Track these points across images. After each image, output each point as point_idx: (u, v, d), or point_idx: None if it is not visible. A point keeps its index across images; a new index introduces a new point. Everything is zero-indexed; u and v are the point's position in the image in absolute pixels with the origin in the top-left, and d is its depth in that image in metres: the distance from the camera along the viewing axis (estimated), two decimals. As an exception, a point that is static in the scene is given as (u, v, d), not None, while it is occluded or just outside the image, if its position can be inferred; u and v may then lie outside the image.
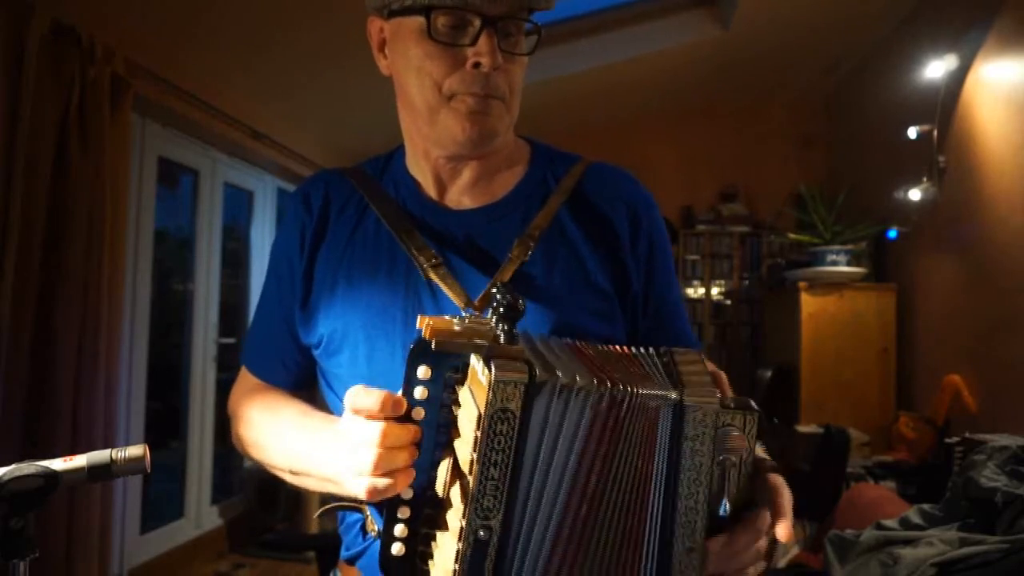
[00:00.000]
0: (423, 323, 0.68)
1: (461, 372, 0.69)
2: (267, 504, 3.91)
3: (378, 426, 0.68)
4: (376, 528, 0.85)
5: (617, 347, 0.77)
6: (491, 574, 0.65)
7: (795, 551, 2.75)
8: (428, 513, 0.71)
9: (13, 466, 0.71)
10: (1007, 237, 2.81)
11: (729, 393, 0.75)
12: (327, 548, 1.80)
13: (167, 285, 3.73)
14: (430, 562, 0.71)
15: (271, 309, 1.01)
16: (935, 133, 3.28)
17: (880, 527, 1.86)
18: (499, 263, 0.89)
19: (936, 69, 3.23)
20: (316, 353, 0.95)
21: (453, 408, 0.70)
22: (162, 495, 3.62)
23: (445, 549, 0.67)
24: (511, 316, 0.69)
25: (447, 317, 0.72)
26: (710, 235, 5.41)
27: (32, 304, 2.28)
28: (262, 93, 3.58)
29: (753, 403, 0.70)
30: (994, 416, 2.86)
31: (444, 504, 0.70)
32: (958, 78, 3.15)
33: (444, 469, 0.70)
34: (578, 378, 0.66)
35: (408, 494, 0.71)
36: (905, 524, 1.85)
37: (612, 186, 0.97)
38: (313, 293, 0.94)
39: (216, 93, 3.26)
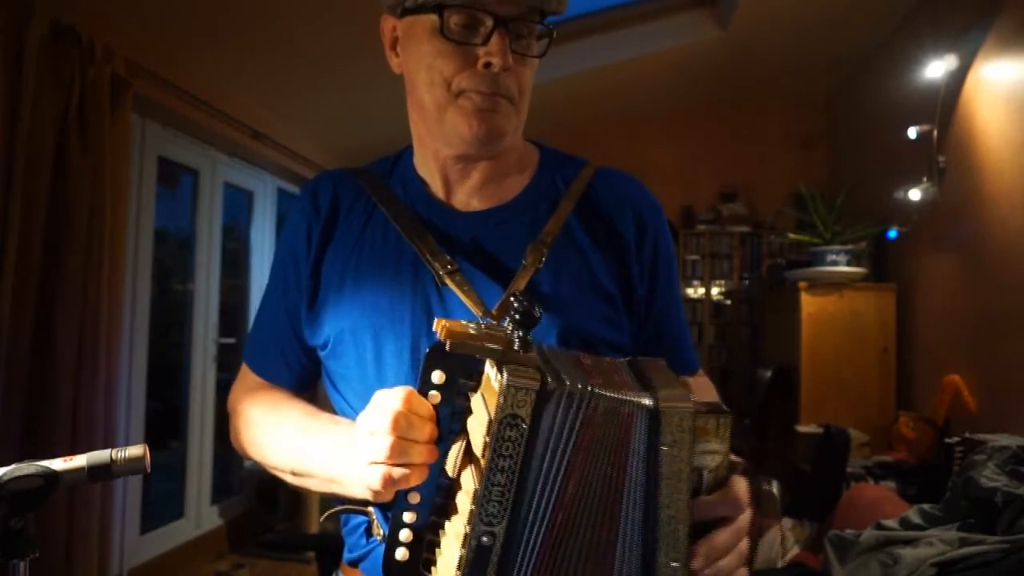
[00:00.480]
0: (439, 325, 0.68)
1: (475, 379, 0.69)
2: (267, 504, 3.91)
3: (396, 413, 0.68)
4: (381, 531, 0.85)
5: (605, 357, 0.77)
6: None
7: (795, 551, 2.75)
8: (434, 519, 0.70)
9: (13, 466, 0.71)
10: (1007, 237, 2.81)
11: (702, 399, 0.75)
12: (327, 548, 1.80)
13: (167, 285, 3.73)
14: (433, 568, 0.70)
15: (275, 307, 1.00)
16: (935, 133, 3.29)
17: (880, 527, 1.86)
18: (509, 268, 0.88)
19: (936, 69, 3.23)
20: (322, 354, 0.95)
21: (465, 415, 0.70)
22: (162, 495, 3.61)
23: (448, 555, 0.67)
24: (527, 323, 0.69)
25: (463, 321, 0.72)
26: (710, 235, 5.42)
27: (32, 304, 2.28)
28: (262, 93, 3.58)
29: (724, 406, 0.69)
30: (994, 416, 2.86)
31: (451, 511, 0.69)
32: (958, 78, 3.16)
33: (451, 466, 0.70)
34: (579, 385, 0.66)
35: (415, 499, 0.71)
36: (905, 524, 1.85)
37: (620, 191, 0.96)
38: (320, 293, 0.94)
39: (216, 93, 3.26)
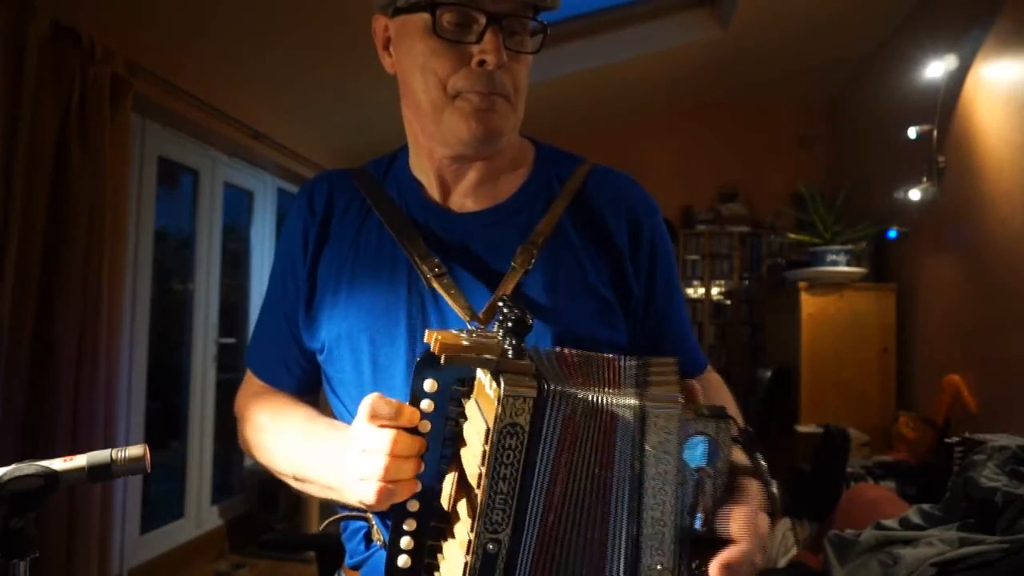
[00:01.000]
0: (431, 337, 0.68)
1: (467, 385, 0.69)
2: (267, 504, 3.91)
3: (389, 433, 0.68)
4: (382, 537, 0.85)
5: (602, 354, 0.76)
6: None
7: (795, 551, 2.76)
8: (434, 526, 0.71)
9: (13, 466, 0.71)
10: (1007, 237, 2.81)
11: (703, 402, 0.73)
12: (327, 549, 1.80)
13: (167, 285, 3.73)
14: (436, 574, 0.71)
15: (275, 311, 1.00)
16: (935, 133, 3.29)
17: (880, 527, 1.86)
18: (501, 270, 0.88)
19: (936, 69, 3.23)
20: (320, 359, 0.95)
21: (459, 420, 0.70)
22: (162, 495, 3.61)
23: (452, 562, 0.67)
24: (519, 331, 0.69)
25: (454, 331, 0.71)
26: (710, 235, 5.42)
27: (32, 304, 2.28)
28: (262, 93, 3.58)
29: (727, 410, 0.68)
30: (994, 416, 2.86)
31: (451, 517, 0.69)
32: (958, 78, 3.16)
33: (450, 482, 0.70)
34: (559, 387, 0.66)
35: (414, 506, 0.71)
36: (905, 524, 1.85)
37: (615, 192, 0.96)
38: (316, 296, 0.94)
39: (216, 93, 3.26)
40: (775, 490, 0.69)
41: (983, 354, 3.01)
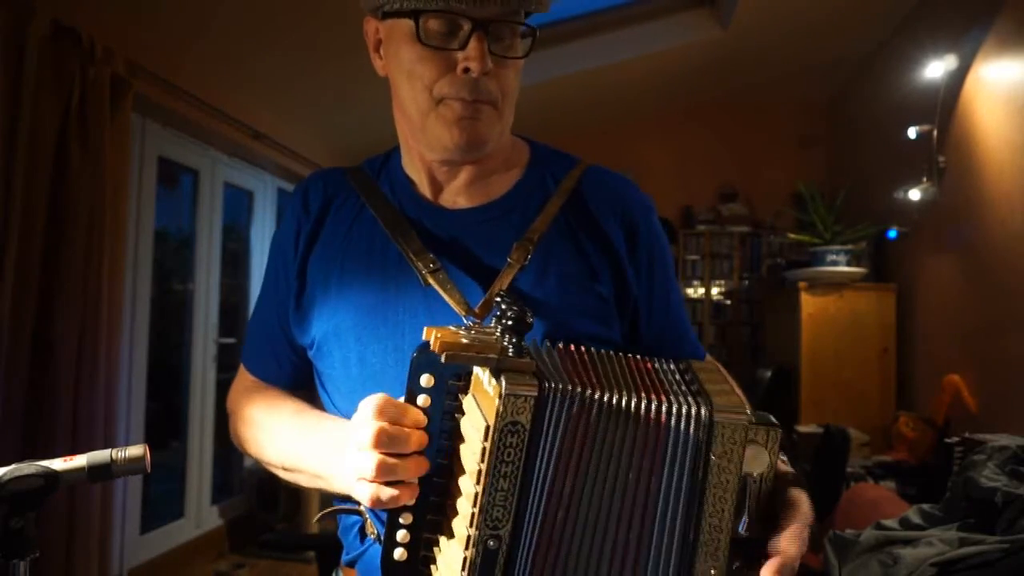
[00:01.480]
0: (430, 335, 0.68)
1: (463, 379, 0.69)
2: (267, 504, 3.91)
3: (386, 430, 0.68)
4: (376, 531, 0.85)
5: (635, 357, 0.75)
6: None
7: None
8: (430, 519, 0.71)
9: (13, 466, 0.71)
10: (1007, 237, 2.81)
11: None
12: (327, 548, 1.80)
13: (167, 285, 3.73)
14: (433, 567, 0.71)
15: (267, 308, 1.01)
16: (935, 133, 3.29)
17: (880, 527, 1.86)
18: (495, 266, 0.88)
19: (936, 69, 3.23)
20: (310, 354, 0.95)
21: (456, 415, 0.70)
22: (162, 495, 3.61)
23: (451, 556, 0.67)
24: (519, 329, 0.69)
25: (452, 328, 0.71)
26: (710, 235, 5.42)
27: (32, 304, 2.28)
28: (262, 93, 3.58)
29: (772, 418, 0.69)
30: (994, 416, 2.86)
31: (448, 511, 0.70)
32: (958, 78, 3.16)
33: (448, 477, 0.70)
34: (578, 389, 0.66)
35: (410, 500, 0.71)
36: (905, 524, 1.85)
37: (609, 192, 0.96)
38: (306, 292, 0.94)
39: (216, 93, 3.26)
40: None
41: (983, 354, 3.01)
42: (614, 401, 0.66)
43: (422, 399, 0.69)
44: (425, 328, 0.70)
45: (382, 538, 0.72)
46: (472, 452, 0.66)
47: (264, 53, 3.22)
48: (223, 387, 3.78)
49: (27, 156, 2.24)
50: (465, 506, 0.66)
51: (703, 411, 0.67)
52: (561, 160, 0.99)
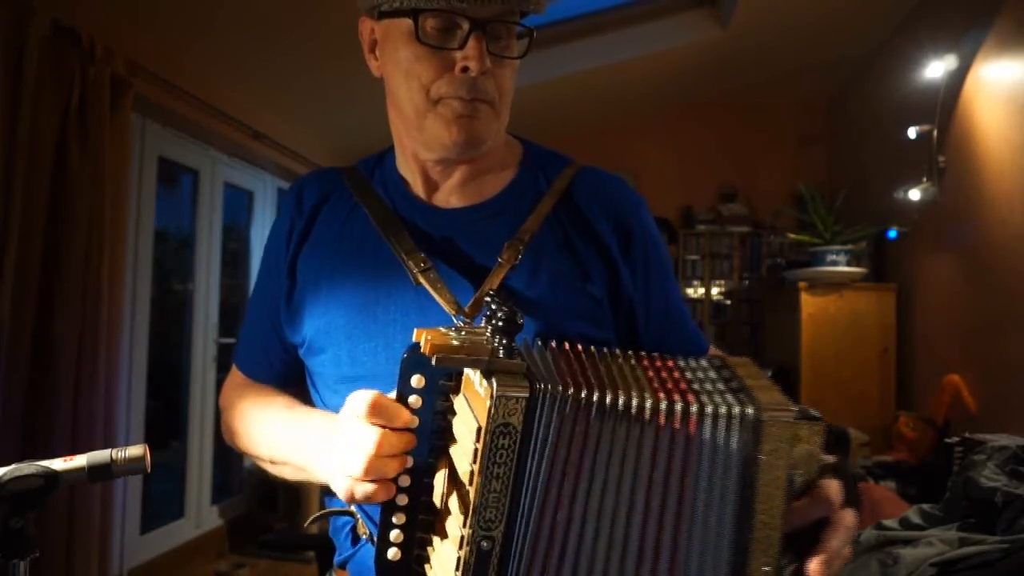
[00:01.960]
0: (420, 336, 0.68)
1: (454, 380, 0.69)
2: (267, 504, 3.91)
3: (376, 432, 0.68)
4: (368, 531, 0.86)
5: (652, 356, 0.74)
6: None
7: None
8: (423, 519, 0.71)
9: (13, 466, 0.71)
10: (1007, 237, 2.81)
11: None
12: (327, 548, 1.80)
13: (167, 285, 3.73)
14: (427, 566, 0.71)
15: (260, 307, 1.02)
16: (935, 133, 3.29)
17: (880, 527, 1.86)
18: (487, 265, 0.88)
19: (936, 69, 3.23)
20: (301, 352, 0.96)
21: (447, 415, 0.70)
22: (162, 495, 3.61)
23: (444, 556, 0.67)
24: (510, 330, 0.69)
25: (443, 329, 0.71)
26: (710, 235, 5.41)
27: (32, 304, 2.28)
28: (262, 93, 3.58)
29: (813, 411, 0.68)
30: (994, 416, 2.86)
31: (442, 511, 0.69)
32: (958, 78, 3.15)
33: (440, 477, 0.70)
34: (583, 392, 0.65)
35: (403, 500, 0.71)
36: (905, 524, 1.85)
37: (602, 192, 0.96)
38: (297, 290, 0.95)
39: (216, 93, 3.26)
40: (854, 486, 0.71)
41: (983, 354, 3.01)
42: (618, 402, 0.65)
43: (412, 399, 0.69)
44: (415, 330, 0.70)
45: (375, 538, 0.72)
46: (464, 453, 0.66)
47: (264, 53, 3.22)
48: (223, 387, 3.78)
49: (27, 156, 2.24)
50: (458, 506, 0.66)
51: (748, 410, 0.65)
52: (554, 160, 0.99)
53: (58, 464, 0.74)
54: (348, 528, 0.91)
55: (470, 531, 0.64)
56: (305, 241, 0.96)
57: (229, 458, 4.00)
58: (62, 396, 2.35)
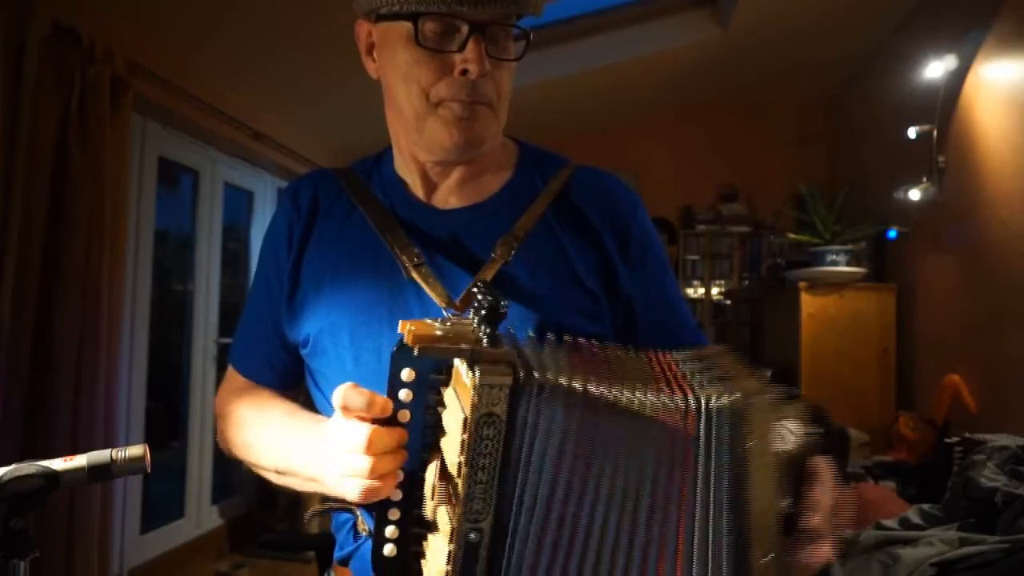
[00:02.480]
0: (404, 328, 0.68)
1: (445, 373, 0.69)
2: (267, 504, 3.90)
3: (366, 431, 0.68)
4: (368, 528, 0.86)
5: (643, 350, 0.74)
6: (484, 574, 0.64)
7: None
8: (418, 514, 0.71)
9: (13, 466, 0.72)
10: (1007, 237, 2.81)
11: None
12: (327, 548, 1.80)
13: (167, 285, 3.73)
14: (423, 561, 0.71)
15: (259, 308, 1.01)
16: (935, 133, 3.28)
17: (880, 527, 1.86)
18: (483, 263, 0.89)
19: (936, 69, 3.23)
20: (303, 353, 0.96)
21: (438, 409, 0.70)
22: (162, 495, 3.61)
23: (436, 550, 0.67)
24: (493, 318, 0.68)
25: (428, 321, 0.71)
26: (710, 235, 5.41)
27: (32, 304, 2.28)
28: (262, 93, 3.58)
29: (793, 389, 0.69)
30: (994, 416, 2.86)
31: (435, 505, 0.70)
32: (958, 78, 3.15)
33: (432, 471, 0.70)
34: (572, 382, 0.64)
35: (397, 496, 0.71)
36: (905, 524, 1.85)
37: (597, 192, 0.96)
38: (299, 292, 0.95)
39: (216, 93, 3.26)
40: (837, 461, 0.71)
41: (983, 354, 3.01)
42: (604, 391, 0.64)
43: (404, 394, 0.69)
44: (400, 322, 0.70)
45: (373, 534, 0.72)
46: (452, 445, 0.66)
47: (265, 53, 3.22)
48: (223, 387, 3.78)
49: (27, 156, 2.24)
50: (448, 499, 0.67)
51: (732, 398, 0.65)
52: (550, 161, 1.00)
53: (58, 464, 0.74)
54: (349, 525, 0.91)
55: (458, 523, 0.64)
56: (307, 242, 0.96)
57: (229, 458, 4.00)
58: (62, 396, 2.35)
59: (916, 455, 3.26)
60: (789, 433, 0.68)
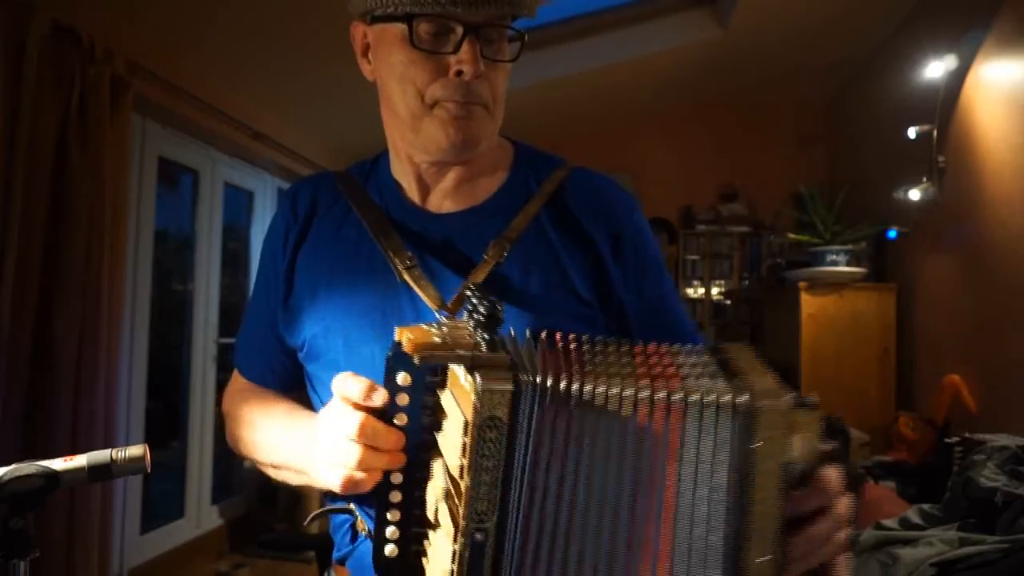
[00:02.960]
0: (401, 335, 0.69)
1: (440, 375, 0.70)
2: (267, 504, 3.90)
3: (359, 418, 0.69)
4: (367, 528, 0.86)
5: (647, 346, 0.73)
6: (490, 573, 0.65)
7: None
8: (418, 514, 0.71)
9: (13, 466, 0.72)
10: (1007, 237, 2.81)
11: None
12: (327, 548, 1.80)
13: (167, 285, 3.73)
14: (424, 560, 0.71)
15: (259, 311, 1.02)
16: (935, 133, 3.28)
17: (880, 527, 1.86)
18: (475, 265, 0.89)
19: (936, 69, 3.23)
20: (300, 357, 0.97)
21: (435, 411, 0.70)
22: (162, 495, 3.61)
23: (440, 550, 0.68)
24: (491, 324, 0.69)
25: (424, 326, 0.72)
26: (710, 235, 5.41)
27: (32, 304, 2.28)
28: (262, 93, 3.58)
29: (809, 398, 0.67)
30: (994, 416, 2.86)
31: (436, 506, 0.70)
32: (958, 78, 3.15)
33: (432, 472, 0.70)
34: (571, 383, 0.64)
35: (396, 496, 0.71)
36: (905, 524, 1.85)
37: (592, 194, 0.96)
38: (294, 295, 0.95)
39: (216, 93, 3.25)
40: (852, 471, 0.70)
41: (983, 354, 3.01)
42: (603, 392, 0.64)
43: (400, 398, 0.70)
44: (396, 328, 0.70)
45: (373, 535, 0.72)
46: (453, 447, 0.66)
47: (264, 53, 3.22)
48: (223, 387, 3.77)
49: (27, 156, 2.24)
50: (450, 500, 0.67)
51: (742, 398, 0.65)
52: (544, 161, 1.00)
53: (58, 464, 0.74)
54: (347, 525, 0.91)
55: (464, 524, 0.64)
56: (301, 246, 0.96)
57: (229, 458, 4.00)
58: (62, 396, 2.35)
59: (916, 455, 3.26)
60: (807, 441, 0.66)
